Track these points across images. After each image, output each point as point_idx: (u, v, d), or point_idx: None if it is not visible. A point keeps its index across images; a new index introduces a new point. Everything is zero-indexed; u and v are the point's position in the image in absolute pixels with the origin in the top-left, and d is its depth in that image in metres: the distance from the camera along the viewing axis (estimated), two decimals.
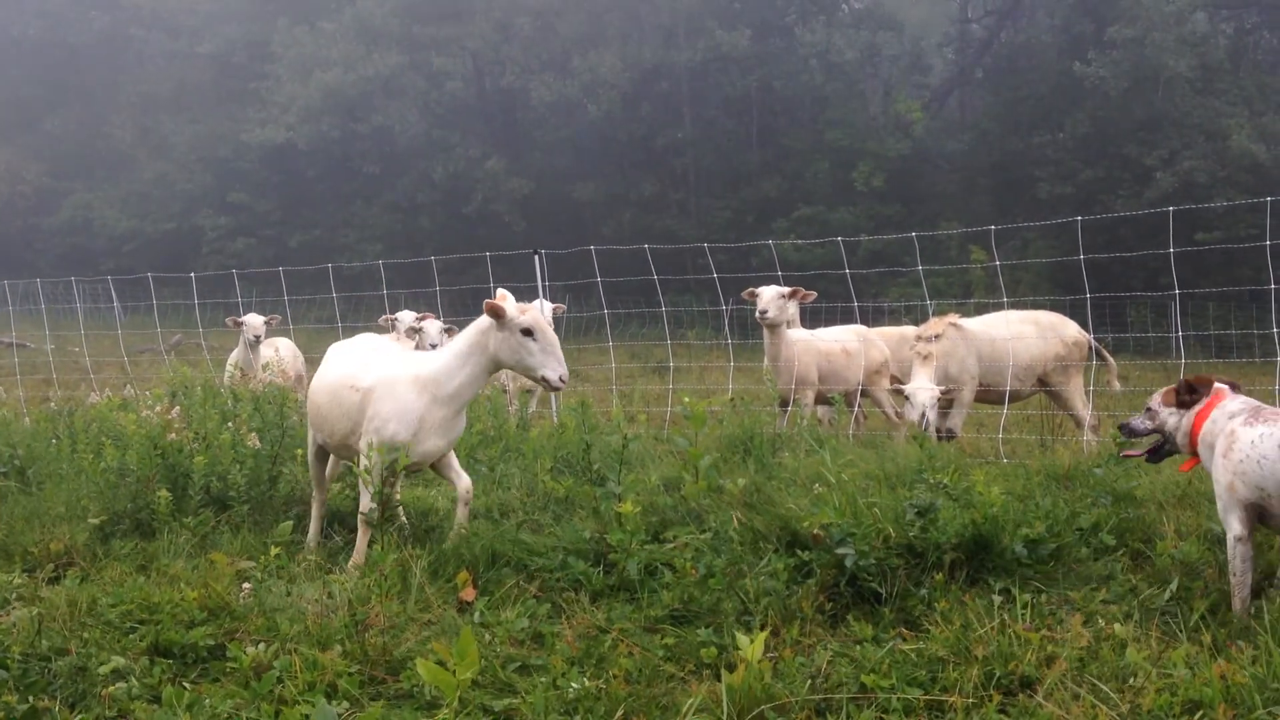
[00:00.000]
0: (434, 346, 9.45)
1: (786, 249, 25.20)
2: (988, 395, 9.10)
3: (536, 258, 10.76)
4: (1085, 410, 9.05)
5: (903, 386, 8.45)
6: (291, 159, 37.19)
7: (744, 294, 9.46)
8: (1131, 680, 3.70)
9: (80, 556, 5.56)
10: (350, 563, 5.46)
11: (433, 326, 9.99)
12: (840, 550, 4.69)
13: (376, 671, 4.04)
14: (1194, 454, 4.68)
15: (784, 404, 9.28)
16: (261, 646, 4.12)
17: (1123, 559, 5.08)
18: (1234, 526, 4.34)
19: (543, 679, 3.88)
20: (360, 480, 5.50)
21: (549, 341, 5.49)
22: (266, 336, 11.09)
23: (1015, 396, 9.09)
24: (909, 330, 10.08)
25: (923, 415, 8.17)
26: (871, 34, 34.09)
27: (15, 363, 13.56)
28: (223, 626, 4.44)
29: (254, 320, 10.84)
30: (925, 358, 8.57)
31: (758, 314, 9.16)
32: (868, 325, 10.58)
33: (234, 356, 11.12)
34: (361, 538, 5.52)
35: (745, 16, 35.07)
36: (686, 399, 6.52)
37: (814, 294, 9.65)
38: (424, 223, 36.30)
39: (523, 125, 38.32)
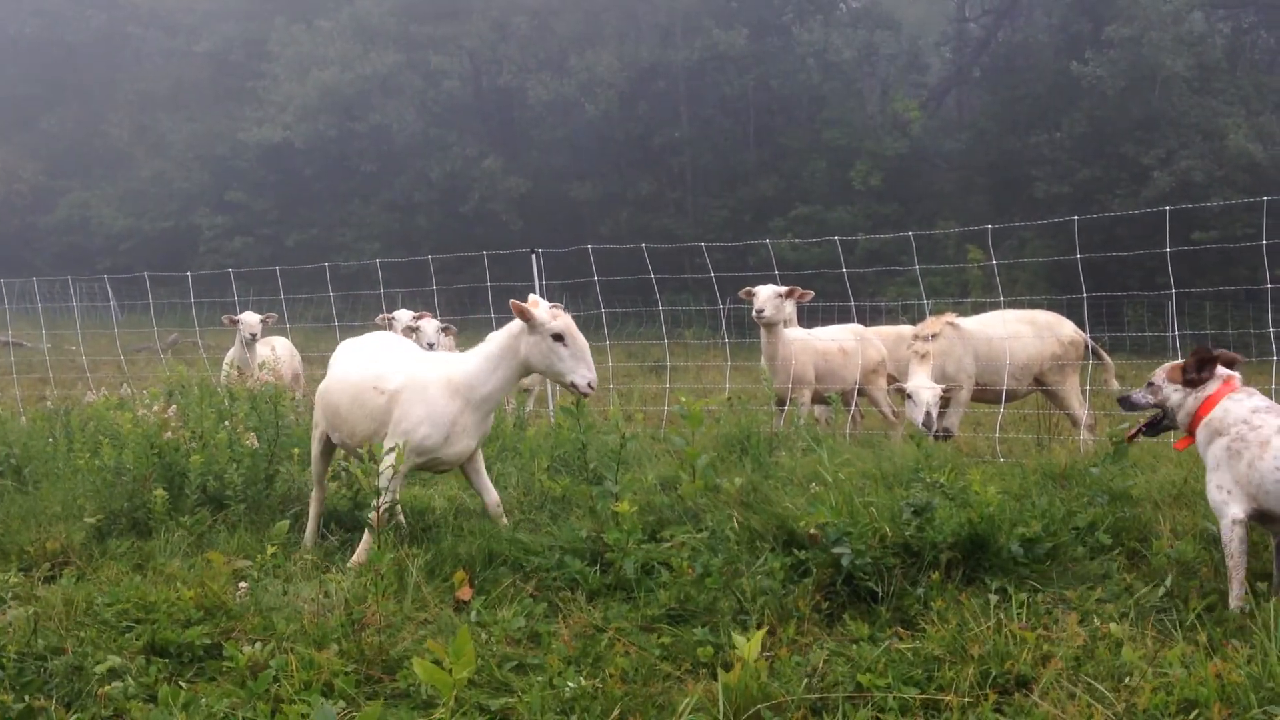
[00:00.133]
0: (431, 346, 9.45)
1: (784, 248, 25.21)
2: (984, 394, 9.11)
3: (533, 257, 10.75)
4: (1082, 410, 9.06)
5: (904, 385, 8.45)
6: (289, 158, 37.16)
7: (741, 293, 9.45)
8: (1127, 679, 3.70)
9: (76, 555, 5.56)
10: (352, 560, 5.45)
11: (430, 325, 9.99)
12: (837, 549, 4.70)
13: (373, 671, 4.04)
14: (1191, 433, 4.68)
15: (781, 403, 9.29)
16: (258, 646, 4.12)
17: (1119, 558, 5.08)
18: (1234, 511, 4.35)
19: (539, 678, 3.88)
20: (379, 480, 5.50)
21: (579, 347, 5.52)
22: (263, 335, 11.08)
23: (1012, 396, 9.10)
24: (906, 329, 10.08)
25: (927, 413, 8.16)
26: (869, 33, 34.12)
27: (12, 362, 13.56)
28: (219, 626, 4.44)
29: (250, 319, 10.84)
30: (922, 357, 8.58)
31: (754, 313, 9.16)
32: (865, 324, 10.58)
33: (230, 355, 11.12)
34: (369, 537, 5.50)
35: (742, 15, 35.07)
36: (683, 398, 6.51)
37: (811, 293, 9.64)
38: (421, 222, 36.30)
39: (520, 124, 38.31)
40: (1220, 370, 4.71)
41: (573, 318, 5.63)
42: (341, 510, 6.38)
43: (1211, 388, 4.64)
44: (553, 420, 9.49)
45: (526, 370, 5.64)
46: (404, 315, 10.36)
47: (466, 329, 12.84)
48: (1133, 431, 5.12)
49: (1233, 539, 4.36)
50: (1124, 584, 4.70)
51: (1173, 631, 4.18)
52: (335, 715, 3.28)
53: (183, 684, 3.91)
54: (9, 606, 4.73)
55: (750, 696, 3.57)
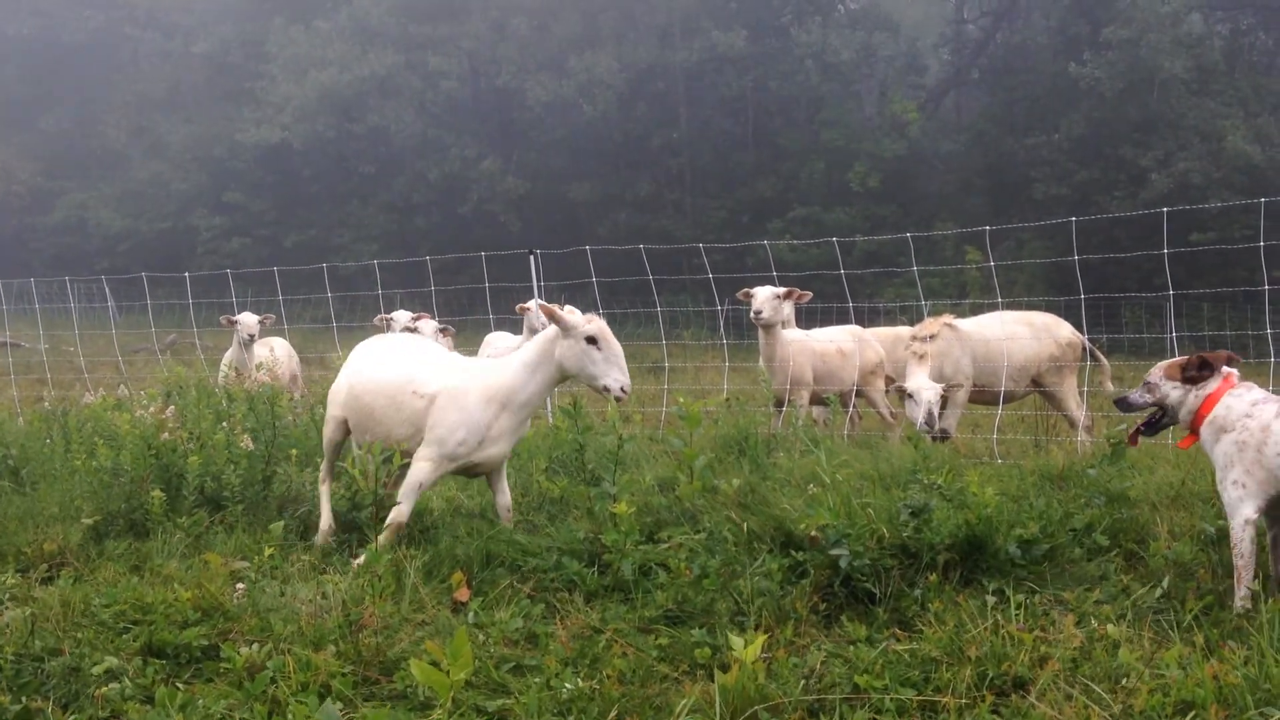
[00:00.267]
0: None
1: (782, 249, 25.20)
2: (982, 396, 9.11)
3: (532, 258, 10.75)
4: (1079, 411, 9.06)
5: (904, 386, 8.44)
6: (287, 159, 37.14)
7: (739, 294, 9.45)
8: (1124, 681, 3.71)
9: (74, 557, 5.55)
10: (356, 561, 5.43)
11: (428, 327, 9.98)
12: (834, 551, 4.70)
13: (370, 672, 4.04)
14: (1194, 431, 4.68)
15: (779, 404, 9.29)
16: (255, 647, 4.12)
17: (1116, 559, 5.09)
18: (1247, 510, 4.37)
19: (536, 679, 3.88)
20: (403, 488, 5.54)
21: (613, 351, 5.55)
22: (261, 336, 11.08)
23: (1010, 397, 9.10)
24: (904, 331, 10.08)
25: (929, 412, 8.15)
26: (867, 34, 34.11)
27: (9, 362, 13.54)
28: (216, 627, 4.44)
29: (248, 319, 10.83)
30: (921, 358, 8.58)
31: (752, 314, 9.16)
32: (863, 325, 10.58)
33: (228, 356, 11.11)
34: (385, 539, 5.48)
35: (741, 17, 35.07)
36: (681, 399, 6.52)
37: (809, 294, 9.63)
38: (419, 222, 36.29)
39: (518, 125, 38.30)
40: (1220, 368, 4.72)
41: None
42: (340, 510, 6.37)
43: (1212, 385, 4.65)
44: (551, 421, 9.49)
45: (563, 375, 5.66)
46: (402, 316, 10.36)
47: (465, 330, 12.85)
48: (1133, 432, 5.13)
49: (1244, 538, 4.38)
50: (1121, 585, 4.71)
51: (1170, 633, 4.18)
52: (339, 717, 3.29)
53: (180, 685, 3.91)
54: (6, 608, 4.72)
55: (747, 698, 3.58)
